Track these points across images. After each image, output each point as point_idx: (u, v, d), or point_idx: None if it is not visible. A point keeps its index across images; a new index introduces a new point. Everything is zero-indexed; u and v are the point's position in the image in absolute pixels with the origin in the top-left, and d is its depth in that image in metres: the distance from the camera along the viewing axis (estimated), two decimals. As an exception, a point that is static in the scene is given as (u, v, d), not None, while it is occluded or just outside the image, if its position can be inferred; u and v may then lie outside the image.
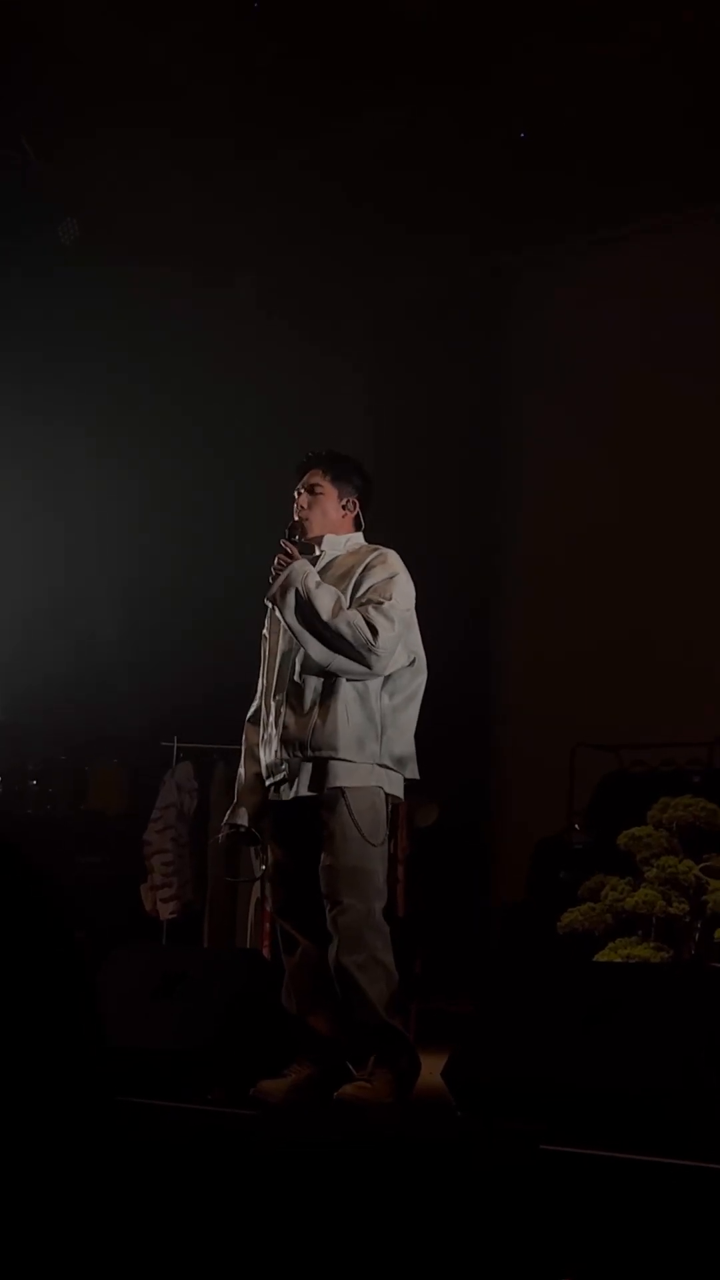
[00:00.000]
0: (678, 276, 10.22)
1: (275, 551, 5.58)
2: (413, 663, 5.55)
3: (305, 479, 5.70)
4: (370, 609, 5.36)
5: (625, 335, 10.41)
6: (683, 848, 7.92)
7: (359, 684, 5.45)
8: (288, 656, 5.53)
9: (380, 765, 5.45)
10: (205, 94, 9.15)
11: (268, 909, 9.51)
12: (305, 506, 5.66)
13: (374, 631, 5.32)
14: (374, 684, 5.47)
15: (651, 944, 7.64)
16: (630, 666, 10.03)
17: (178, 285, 10.26)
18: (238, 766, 5.87)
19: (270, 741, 5.54)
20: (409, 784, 5.63)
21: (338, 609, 5.35)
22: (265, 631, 5.76)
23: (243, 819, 5.65)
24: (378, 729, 5.44)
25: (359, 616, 5.34)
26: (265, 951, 9.17)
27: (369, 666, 5.37)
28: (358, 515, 5.74)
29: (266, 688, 5.64)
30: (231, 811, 5.71)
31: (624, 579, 10.24)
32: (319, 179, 9.96)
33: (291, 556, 5.50)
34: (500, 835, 10.66)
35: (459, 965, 9.31)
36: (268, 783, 5.61)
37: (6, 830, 9.26)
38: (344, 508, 5.70)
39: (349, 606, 5.41)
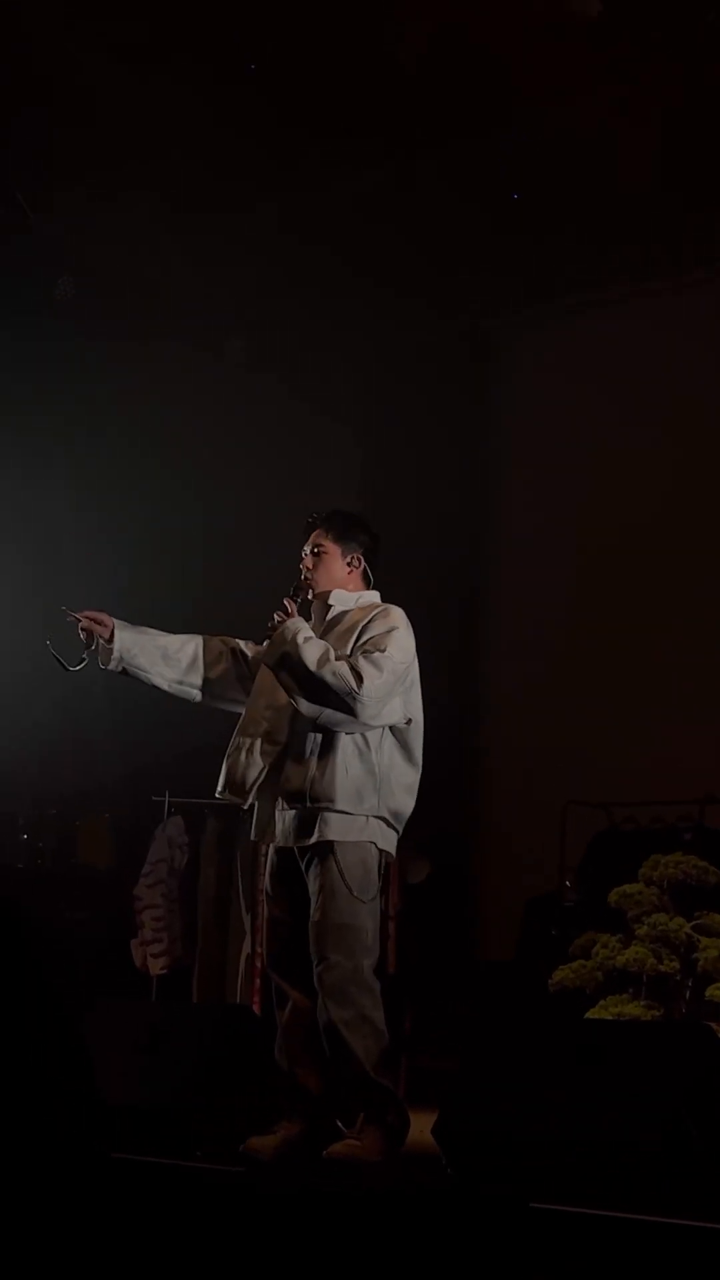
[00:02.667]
0: (663, 341, 10.27)
1: (268, 604, 5.60)
2: (409, 723, 5.55)
3: (310, 540, 5.73)
4: (359, 657, 5.38)
5: (610, 397, 10.45)
6: (674, 905, 7.91)
7: (358, 737, 5.45)
8: (286, 708, 5.50)
9: (376, 818, 5.45)
10: (198, 155, 9.24)
11: (258, 965, 9.51)
12: (310, 567, 5.69)
13: (359, 678, 5.31)
14: (374, 737, 5.47)
15: (643, 1002, 7.63)
16: (620, 724, 10.03)
17: (168, 344, 10.30)
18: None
19: (256, 777, 5.51)
20: (401, 839, 5.62)
21: (324, 660, 5.34)
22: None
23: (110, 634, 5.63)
24: (376, 782, 5.44)
25: (344, 665, 5.34)
26: (255, 1007, 9.14)
27: (355, 715, 5.34)
28: (365, 571, 5.75)
29: (260, 722, 5.59)
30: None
31: (613, 636, 10.26)
32: (308, 239, 10.04)
33: (288, 614, 5.50)
34: (491, 892, 10.64)
35: (449, 1023, 9.27)
36: (254, 833, 5.62)
37: (-4, 885, 9.25)
38: (349, 565, 5.71)
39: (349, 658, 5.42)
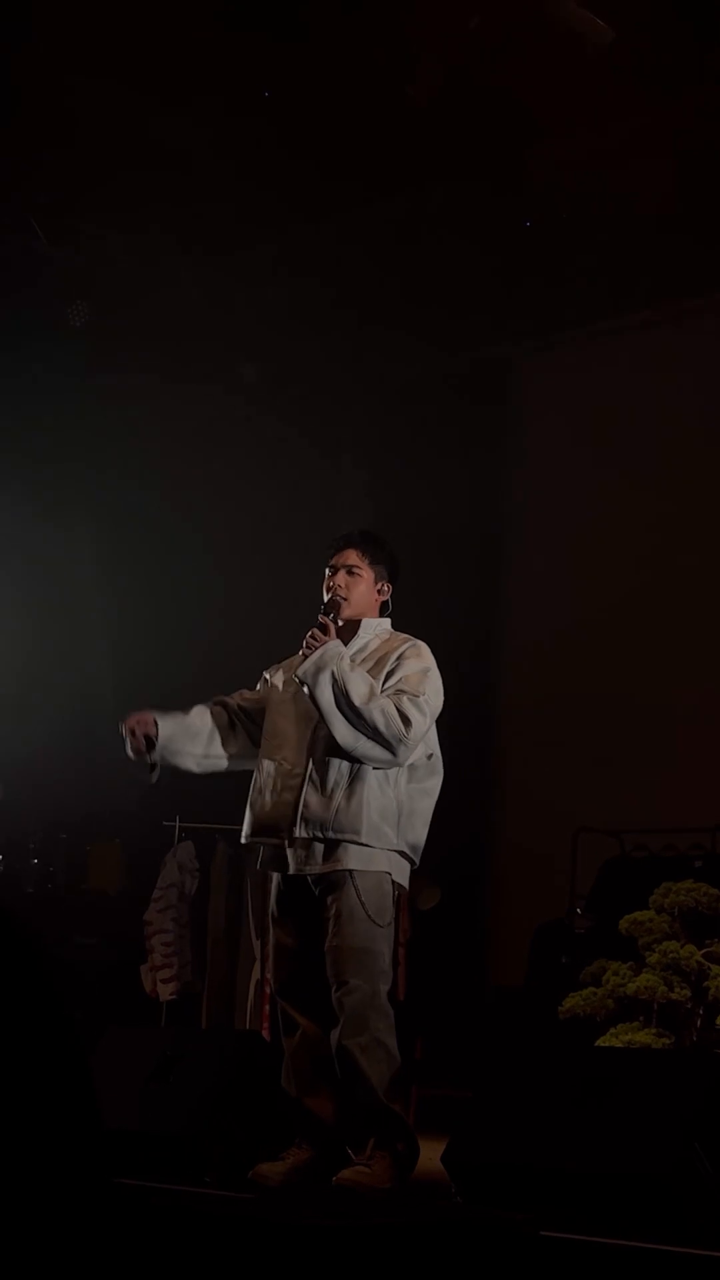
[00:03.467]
0: (675, 370, 10.30)
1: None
2: (430, 757, 5.54)
3: (340, 558, 5.65)
4: (404, 700, 5.34)
5: (623, 427, 10.48)
6: (685, 933, 7.90)
7: (381, 771, 5.42)
8: (307, 733, 5.47)
9: (395, 851, 5.44)
10: (211, 183, 9.26)
11: (268, 991, 9.50)
12: (343, 586, 5.61)
13: (406, 723, 5.30)
14: (394, 771, 5.45)
15: (653, 1030, 7.61)
16: (632, 752, 10.03)
17: (178, 377, 10.33)
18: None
19: (284, 812, 5.45)
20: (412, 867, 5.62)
21: (371, 696, 5.31)
22: (270, 678, 5.73)
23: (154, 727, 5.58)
24: (397, 815, 5.43)
25: (392, 706, 5.30)
26: (265, 1033, 9.13)
27: (394, 755, 5.34)
28: (386, 600, 5.73)
29: (279, 762, 5.54)
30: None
31: (624, 665, 10.26)
32: (317, 270, 10.07)
33: (327, 634, 5.44)
34: (501, 919, 10.62)
35: (459, 1049, 9.25)
36: (260, 863, 5.61)
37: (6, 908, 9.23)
38: (378, 591, 5.68)
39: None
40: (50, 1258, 2.21)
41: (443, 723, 5.67)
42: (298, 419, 10.73)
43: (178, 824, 9.59)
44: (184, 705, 9.74)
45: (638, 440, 10.39)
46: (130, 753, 5.61)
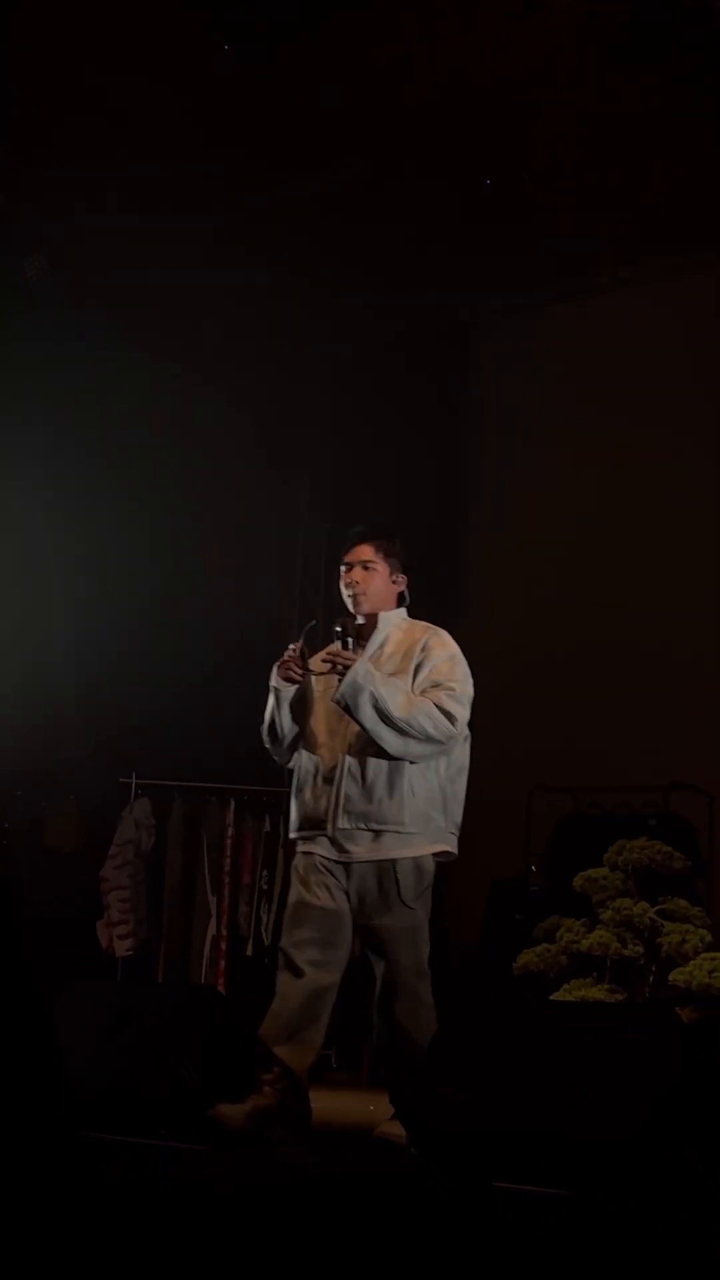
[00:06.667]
0: (641, 329, 10.33)
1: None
2: (464, 739, 5.70)
3: (354, 554, 5.78)
4: (442, 695, 5.52)
5: (589, 387, 10.51)
6: (638, 890, 7.96)
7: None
8: (341, 728, 5.61)
9: (439, 832, 5.60)
10: (168, 140, 9.17)
11: (223, 947, 9.54)
12: (359, 581, 5.74)
13: (450, 718, 5.49)
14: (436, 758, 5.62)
15: (606, 986, 7.68)
16: (587, 711, 10.08)
17: (140, 333, 10.26)
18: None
19: (326, 805, 5.60)
20: None
21: (410, 703, 5.47)
22: (308, 681, 5.79)
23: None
24: (441, 800, 5.61)
25: (433, 707, 5.48)
26: (220, 987, 9.17)
27: (444, 748, 5.54)
28: (403, 591, 5.85)
29: (318, 758, 5.68)
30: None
31: (581, 626, 10.31)
32: (283, 231, 10.00)
33: (347, 657, 5.54)
34: (457, 875, 10.65)
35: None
36: (301, 833, 5.69)
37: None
38: (393, 582, 5.81)
39: (411, 689, 5.54)
40: (19, 1207, 2.23)
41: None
42: (253, 387, 10.69)
43: (134, 781, 9.61)
44: (137, 661, 9.74)
45: (605, 399, 10.42)
46: (278, 683, 5.69)
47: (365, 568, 5.75)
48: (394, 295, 10.61)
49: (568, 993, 7.58)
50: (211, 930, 9.51)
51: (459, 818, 5.69)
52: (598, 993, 7.66)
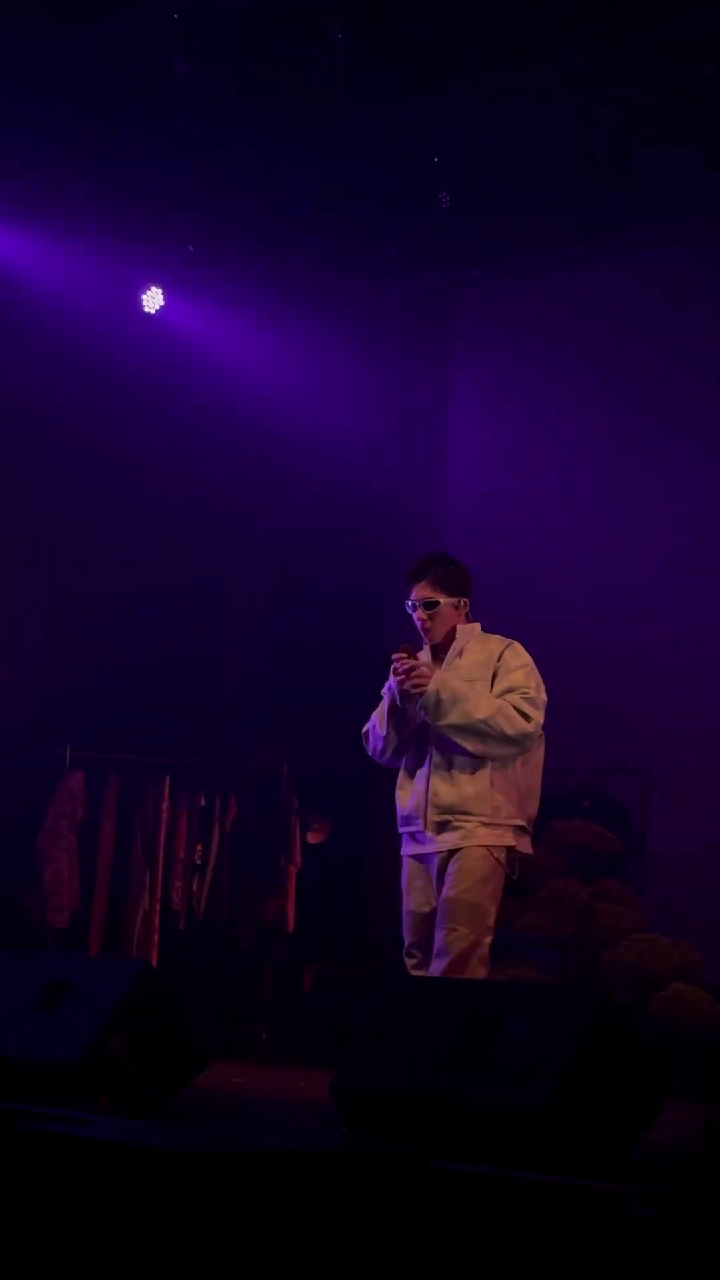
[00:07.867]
0: (623, 299, 10.36)
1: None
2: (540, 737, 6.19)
3: (418, 593, 6.22)
4: (520, 700, 6.01)
5: (570, 358, 10.53)
6: (572, 871, 8.00)
7: None
8: (423, 731, 6.07)
9: (515, 825, 6.06)
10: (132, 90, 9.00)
11: (156, 921, 9.53)
12: (427, 619, 6.21)
13: (528, 719, 5.99)
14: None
15: (538, 965, 7.71)
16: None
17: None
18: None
19: (416, 799, 6.09)
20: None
21: (490, 708, 5.95)
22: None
23: None
24: (518, 794, 6.08)
25: (511, 709, 5.98)
26: (153, 959, 9.16)
27: (523, 749, 6.05)
28: (468, 611, 6.30)
29: (412, 758, 6.18)
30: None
31: (522, 604, 10.31)
32: (267, 195, 9.93)
33: (431, 669, 6.05)
34: (390, 853, 10.67)
35: (347, 981, 9.33)
36: (406, 830, 6.21)
37: None
38: (456, 607, 6.24)
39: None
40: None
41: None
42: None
43: (68, 753, 9.56)
44: (72, 633, 9.63)
45: (584, 370, 10.46)
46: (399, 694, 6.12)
47: (428, 606, 6.19)
48: (374, 265, 10.58)
49: (500, 972, 7.62)
50: (144, 905, 9.50)
51: (533, 813, 6.14)
52: (529, 972, 7.70)
